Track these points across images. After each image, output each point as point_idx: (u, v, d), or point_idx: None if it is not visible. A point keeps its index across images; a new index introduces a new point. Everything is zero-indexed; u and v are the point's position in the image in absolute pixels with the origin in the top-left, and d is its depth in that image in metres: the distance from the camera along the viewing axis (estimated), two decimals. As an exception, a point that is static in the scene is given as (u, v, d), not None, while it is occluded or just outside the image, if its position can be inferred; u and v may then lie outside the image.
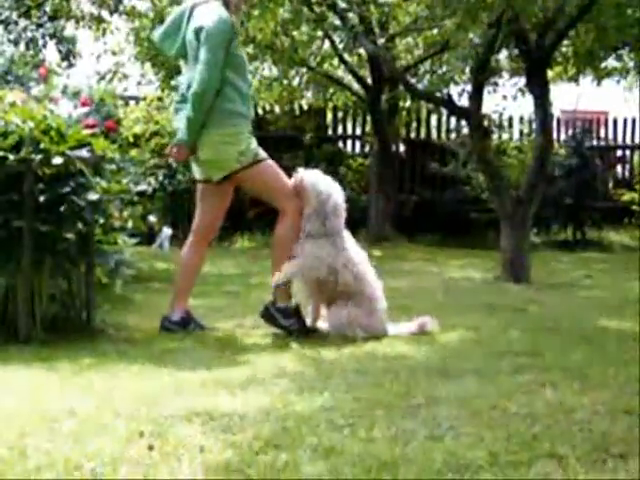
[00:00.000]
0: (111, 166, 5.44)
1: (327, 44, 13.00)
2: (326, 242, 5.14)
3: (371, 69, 12.96)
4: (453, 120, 14.53)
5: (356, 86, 13.71)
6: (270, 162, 5.30)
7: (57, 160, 4.78)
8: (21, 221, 4.79)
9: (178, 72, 12.49)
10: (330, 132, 14.60)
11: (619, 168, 15.38)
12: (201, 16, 5.15)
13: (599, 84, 13.57)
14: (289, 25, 12.00)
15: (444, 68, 12.61)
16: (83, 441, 2.88)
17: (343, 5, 11.95)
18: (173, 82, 12.71)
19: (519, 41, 8.51)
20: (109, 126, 6.95)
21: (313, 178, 5.23)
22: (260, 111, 13.51)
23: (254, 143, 5.24)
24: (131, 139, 12.02)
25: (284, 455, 2.75)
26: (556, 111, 12.83)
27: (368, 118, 13.95)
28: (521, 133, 14.77)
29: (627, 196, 13.77)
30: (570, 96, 15.01)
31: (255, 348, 4.78)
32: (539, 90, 8.47)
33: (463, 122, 12.50)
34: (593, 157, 13.74)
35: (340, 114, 14.68)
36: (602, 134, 15.25)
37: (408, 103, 14.07)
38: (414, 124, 14.66)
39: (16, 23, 16.15)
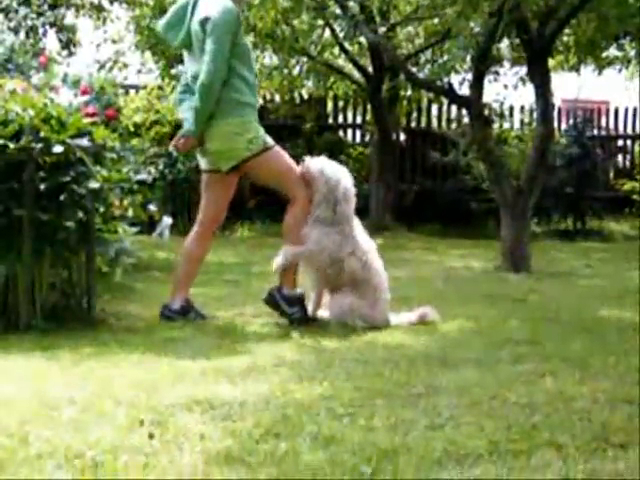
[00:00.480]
0: (111, 155, 5.43)
1: (328, 33, 12.97)
2: (333, 230, 5.12)
3: (372, 58, 12.94)
4: (454, 109, 14.51)
5: (357, 75, 13.69)
6: (278, 149, 5.32)
7: (57, 149, 4.78)
8: (21, 210, 4.79)
9: (178, 61, 12.36)
10: (330, 121, 14.58)
11: (620, 158, 15.37)
12: (206, 7, 5.14)
13: (600, 73, 13.56)
14: (290, 14, 11.97)
15: (445, 57, 12.56)
16: (84, 429, 2.89)
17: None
18: (173, 71, 12.73)
19: (520, 30, 8.49)
20: (109, 115, 6.95)
21: (320, 165, 5.23)
22: (260, 100, 13.48)
23: (262, 131, 5.25)
24: (131, 128, 12.00)
25: (284, 443, 2.76)
26: (557, 100, 12.82)
27: (369, 107, 13.93)
28: (522, 122, 14.74)
29: (628, 186, 13.77)
30: (571, 85, 15.00)
31: (255, 337, 4.78)
32: (540, 79, 8.46)
33: (464, 111, 12.45)
34: (594, 147, 13.72)
35: (340, 103, 14.66)
36: (603, 124, 15.23)
37: (409, 92, 14.04)
38: (415, 113, 14.63)
39: (16, 11, 16.11)
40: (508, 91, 13.83)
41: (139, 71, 14.00)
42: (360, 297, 5.10)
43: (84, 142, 4.92)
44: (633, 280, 7.36)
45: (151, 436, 2.82)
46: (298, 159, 5.36)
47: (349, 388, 3.51)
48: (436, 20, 12.03)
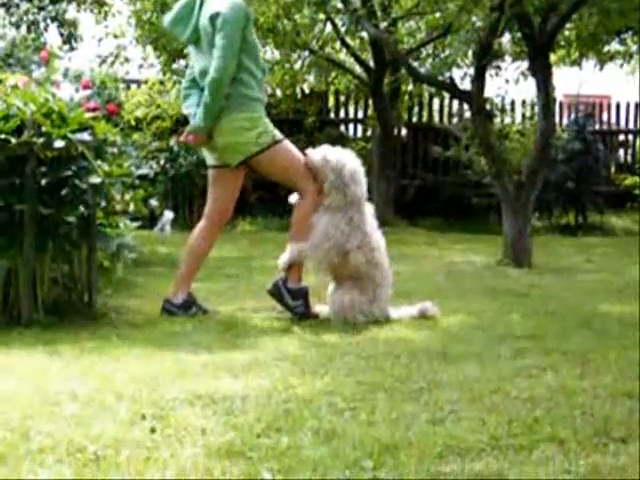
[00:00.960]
0: (113, 149, 5.44)
1: (329, 27, 12.96)
2: (343, 219, 5.10)
3: (373, 52, 12.93)
4: (455, 104, 14.49)
5: (358, 69, 13.68)
6: (288, 143, 5.32)
7: (59, 143, 4.77)
8: (23, 204, 4.79)
9: (180, 56, 12.34)
10: (332, 116, 14.57)
11: (621, 152, 15.36)
12: (215, 2, 5.13)
13: (602, 68, 13.54)
14: (291, 8, 11.96)
15: (446, 51, 12.56)
16: (85, 424, 2.89)
17: (345, -12, 11.91)
18: (175, 66, 12.71)
19: (522, 24, 8.48)
20: (111, 109, 6.94)
21: (322, 153, 5.21)
22: (262, 95, 13.48)
23: (271, 125, 5.25)
24: (133, 122, 12.03)
25: (285, 438, 2.76)
26: (558, 95, 12.81)
27: (370, 102, 13.92)
28: (523, 117, 14.73)
29: (629, 180, 13.77)
30: (573, 80, 14.98)
31: (257, 331, 4.78)
32: (542, 74, 8.44)
33: (465, 106, 12.47)
34: (595, 141, 13.71)
35: (342, 98, 14.65)
36: (604, 118, 15.22)
37: (410, 87, 14.03)
38: (416, 108, 14.62)
39: (17, 6, 16.11)
40: (509, 86, 13.83)
41: (140, 66, 13.98)
42: (361, 292, 5.10)
43: (85, 137, 4.92)
44: (634, 275, 7.36)
45: (153, 430, 2.82)
46: (301, 153, 5.36)
47: (350, 383, 3.51)
48: (438, 14, 12.01)
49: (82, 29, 17.16)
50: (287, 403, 3.18)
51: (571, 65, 13.38)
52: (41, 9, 16.37)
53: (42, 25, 16.50)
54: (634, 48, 13.27)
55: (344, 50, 13.66)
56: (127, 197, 5.81)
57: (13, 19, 15.97)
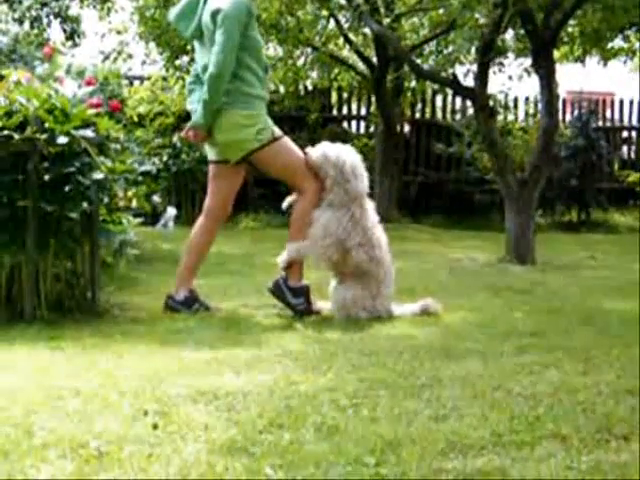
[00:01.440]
0: (116, 146, 5.44)
1: (332, 24, 12.95)
2: (344, 215, 5.09)
3: (376, 49, 12.91)
4: (458, 100, 14.47)
5: (361, 66, 13.66)
6: (287, 140, 5.33)
7: (62, 139, 4.78)
8: (26, 200, 4.79)
9: (183, 52, 12.32)
10: (335, 112, 14.56)
11: (625, 149, 15.34)
12: None
13: (605, 65, 13.51)
14: (294, 4, 11.95)
15: (450, 48, 12.54)
16: (88, 420, 2.90)
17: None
18: (177, 62, 12.70)
19: (525, 21, 8.47)
20: (114, 106, 6.94)
21: (322, 150, 5.21)
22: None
23: (271, 122, 5.26)
24: (135, 119, 12.01)
25: (288, 434, 2.77)
26: (562, 92, 12.78)
27: (373, 98, 13.91)
28: (526, 114, 14.71)
29: (632, 177, 13.75)
30: (576, 77, 14.96)
31: (259, 328, 4.78)
32: (545, 70, 8.43)
33: (468, 102, 12.46)
34: (599, 138, 13.70)
35: (345, 94, 14.63)
36: (608, 115, 15.20)
37: (413, 83, 14.01)
38: (419, 104, 14.61)
39: (20, 2, 16.08)
40: (513, 82, 13.80)
41: (143, 62, 13.97)
42: (363, 288, 5.09)
43: (88, 133, 4.93)
44: (637, 272, 7.35)
45: (155, 426, 2.83)
46: (302, 150, 5.35)
47: (353, 379, 3.51)
48: (441, 11, 11.99)
49: (85, 25, 17.14)
50: (289, 399, 3.19)
51: (574, 62, 13.34)
52: (44, 5, 16.36)
53: (45, 21, 16.49)
54: (637, 45, 13.24)
55: (347, 47, 13.63)
56: (130, 193, 5.82)
57: (16, 15, 15.95)
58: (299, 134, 13.05)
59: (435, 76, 10.76)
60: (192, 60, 10.68)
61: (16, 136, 4.74)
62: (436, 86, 13.78)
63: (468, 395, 3.27)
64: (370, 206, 5.24)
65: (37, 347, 4.18)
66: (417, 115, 14.61)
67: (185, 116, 9.77)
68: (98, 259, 5.23)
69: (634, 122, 15.16)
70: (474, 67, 10.16)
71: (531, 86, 11.80)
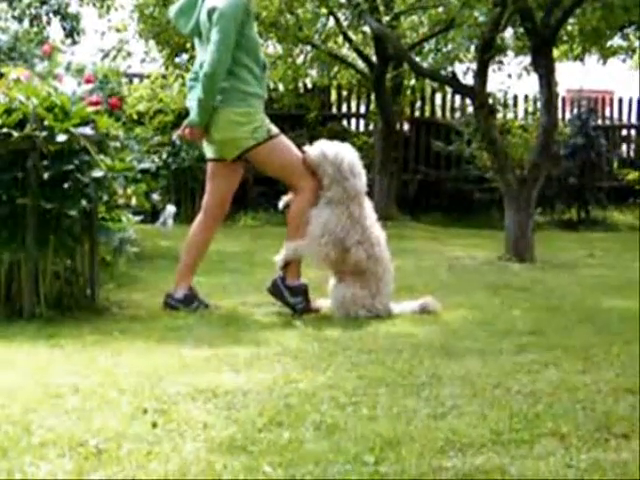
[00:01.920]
0: (115, 143, 5.43)
1: (332, 22, 12.94)
2: (343, 213, 5.09)
3: (376, 47, 12.90)
4: (458, 98, 14.47)
5: (361, 64, 13.66)
6: (284, 138, 5.32)
7: (61, 137, 4.77)
8: (25, 198, 4.79)
9: (182, 50, 12.30)
10: (334, 110, 14.56)
11: (624, 147, 15.35)
12: None
13: (605, 63, 13.51)
14: (294, 3, 11.94)
15: (449, 46, 12.54)
16: (87, 417, 2.90)
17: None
18: (177, 60, 12.70)
19: (525, 19, 8.46)
20: (113, 103, 6.94)
21: (319, 148, 5.20)
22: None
23: (267, 120, 5.26)
24: (135, 117, 12.01)
25: (287, 432, 2.76)
26: (561, 90, 12.79)
27: (372, 96, 13.90)
28: (526, 112, 14.71)
29: (632, 175, 13.75)
30: (575, 75, 14.96)
31: (258, 326, 4.78)
32: (544, 69, 8.43)
33: (468, 101, 12.45)
34: (598, 136, 13.70)
35: (344, 92, 14.63)
36: (607, 113, 15.20)
37: (413, 81, 14.01)
38: (419, 102, 14.61)
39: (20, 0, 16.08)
40: (512, 80, 13.80)
41: (143, 60, 13.96)
42: (363, 287, 5.09)
43: (88, 131, 4.92)
44: (636, 270, 7.35)
45: (154, 425, 2.83)
46: (301, 149, 5.35)
47: (352, 377, 3.51)
48: (440, 9, 11.99)
49: (85, 23, 17.14)
50: (289, 397, 3.19)
51: (574, 60, 13.34)
52: (43, 3, 16.36)
53: (45, 19, 16.48)
54: (637, 43, 13.24)
55: (346, 45, 13.62)
56: (129, 191, 5.80)
57: (16, 13, 15.95)
58: (299, 132, 13.05)
59: (434, 74, 10.76)
60: (192, 58, 10.69)
61: (15, 134, 4.74)
62: (435, 84, 13.78)
63: (467, 393, 3.27)
64: (368, 204, 5.24)
65: (36, 345, 4.17)
66: (416, 113, 14.61)
67: (184, 114, 9.75)
68: (97, 257, 5.23)
69: (633, 120, 15.16)
70: (473, 65, 10.17)
71: (530, 84, 11.80)
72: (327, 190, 5.12)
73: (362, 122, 14.67)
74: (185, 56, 12.47)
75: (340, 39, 13.67)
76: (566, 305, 5.48)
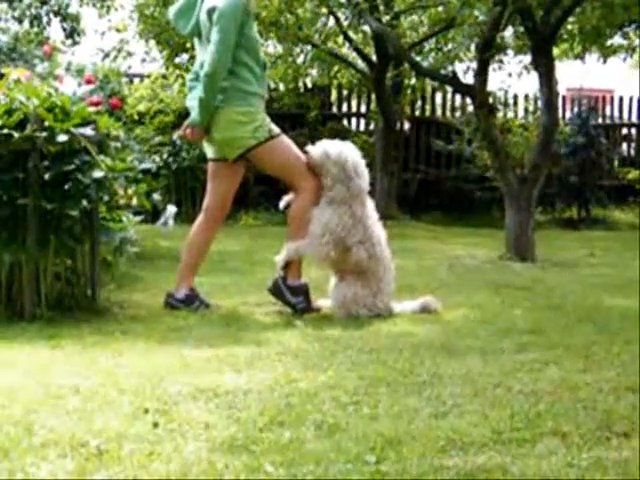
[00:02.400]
0: (116, 144, 5.43)
1: (332, 21, 12.94)
2: (345, 212, 5.08)
3: (376, 47, 12.89)
4: (458, 98, 14.47)
5: (361, 64, 13.65)
6: (285, 138, 5.32)
7: (62, 138, 4.77)
8: (26, 199, 4.79)
9: (183, 50, 12.31)
10: (335, 110, 14.56)
11: (624, 146, 15.34)
12: None
13: (605, 62, 13.51)
14: (294, 2, 11.94)
15: (449, 45, 12.54)
16: (88, 418, 2.90)
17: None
18: (177, 60, 12.70)
19: (525, 18, 8.46)
20: (114, 104, 6.95)
21: (322, 148, 5.19)
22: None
23: (268, 120, 5.26)
24: (136, 117, 12.01)
25: (288, 432, 2.77)
26: (561, 89, 12.79)
27: (373, 96, 13.90)
28: (526, 111, 14.71)
29: (632, 174, 13.75)
30: (575, 74, 14.96)
31: (259, 326, 4.78)
32: (544, 68, 8.43)
33: (468, 100, 12.45)
34: (598, 135, 13.70)
35: (345, 92, 14.63)
36: (607, 112, 15.20)
37: (413, 81, 14.01)
38: (419, 102, 14.61)
39: (20, 0, 16.08)
40: (512, 79, 13.81)
41: (143, 60, 13.96)
42: (364, 286, 5.09)
43: (88, 131, 4.92)
44: (636, 269, 7.35)
45: (155, 425, 2.83)
46: (302, 148, 5.35)
47: (353, 377, 3.51)
48: (440, 8, 11.99)
49: (85, 23, 17.14)
50: (290, 397, 3.19)
51: (574, 59, 13.34)
52: (44, 3, 16.36)
53: (45, 19, 16.48)
54: (637, 42, 13.24)
55: (347, 44, 13.62)
56: (130, 191, 5.80)
57: (16, 13, 15.96)
58: (299, 132, 13.06)
59: (435, 73, 10.77)
60: (192, 58, 10.69)
61: (16, 134, 4.73)
62: (436, 83, 13.77)
63: (468, 392, 3.27)
64: (370, 203, 5.24)
65: (37, 345, 4.17)
66: (417, 112, 14.61)
67: (185, 114, 9.75)
68: (98, 257, 5.23)
69: (634, 119, 15.15)
70: (474, 64, 10.17)
71: (531, 83, 11.81)
72: (330, 190, 5.12)
73: (362, 121, 14.67)
74: (185, 56, 12.46)
75: (340, 38, 13.66)
76: (567, 304, 5.48)
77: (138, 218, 6.06)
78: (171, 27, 10.61)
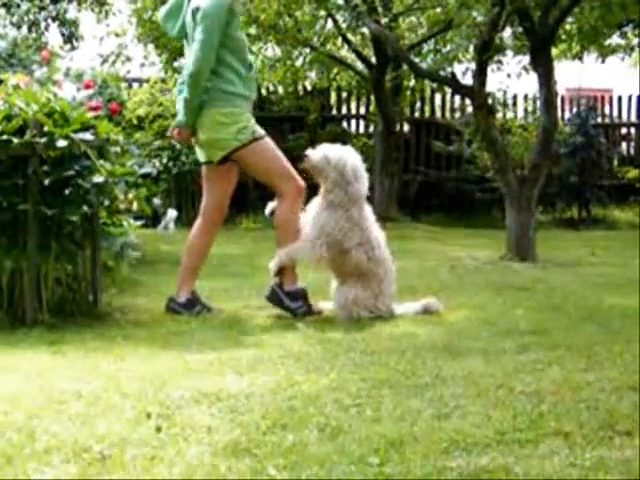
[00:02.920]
0: (115, 148, 5.44)
1: (330, 24, 12.95)
2: (343, 216, 5.08)
3: (375, 48, 12.90)
4: (457, 99, 14.47)
5: (360, 66, 13.66)
6: (268, 140, 5.30)
7: (61, 143, 4.77)
8: (26, 204, 4.79)
9: (181, 54, 12.35)
10: (334, 112, 14.56)
11: (624, 145, 15.35)
12: None
13: (603, 62, 13.52)
14: (292, 5, 11.95)
15: (448, 47, 12.54)
16: (91, 423, 2.90)
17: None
18: (176, 64, 12.71)
19: (523, 19, 8.47)
20: (113, 108, 6.95)
21: (322, 152, 5.19)
22: (263, 92, 13.48)
23: (252, 121, 5.24)
24: (135, 121, 12.02)
25: (291, 435, 2.76)
26: (560, 89, 12.78)
27: (372, 98, 13.90)
28: (525, 111, 14.71)
29: (632, 173, 13.75)
30: (574, 74, 14.96)
31: (261, 329, 4.78)
32: (543, 68, 8.43)
33: (467, 101, 12.45)
34: (598, 135, 13.70)
35: (344, 94, 14.63)
36: (607, 112, 15.20)
37: (412, 82, 14.01)
38: (418, 103, 14.61)
39: (18, 6, 16.08)
40: (511, 80, 13.80)
41: (142, 64, 13.97)
42: (365, 288, 5.08)
43: (88, 136, 4.92)
44: (637, 268, 7.35)
45: (158, 429, 2.83)
46: (302, 151, 5.35)
47: (355, 379, 3.51)
48: (439, 10, 11.99)
49: (83, 28, 17.14)
50: (292, 400, 3.19)
51: (572, 59, 13.35)
52: (42, 9, 16.36)
53: (43, 25, 16.48)
54: (635, 41, 13.25)
55: (345, 46, 13.64)
56: (130, 196, 5.80)
57: (14, 19, 15.96)
58: (299, 134, 13.06)
59: (434, 75, 10.76)
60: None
61: (15, 140, 4.74)
62: (435, 85, 13.78)
63: (471, 393, 3.27)
64: (367, 206, 5.24)
65: (39, 351, 4.17)
66: (416, 114, 14.61)
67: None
68: (99, 262, 5.23)
69: (633, 118, 15.15)
70: (472, 65, 10.16)
71: (530, 83, 11.81)
72: (329, 193, 5.12)
73: (362, 123, 14.67)
74: (184, 60, 12.47)
75: (339, 41, 13.68)
76: (568, 304, 5.48)
77: (139, 223, 6.06)
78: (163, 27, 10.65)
